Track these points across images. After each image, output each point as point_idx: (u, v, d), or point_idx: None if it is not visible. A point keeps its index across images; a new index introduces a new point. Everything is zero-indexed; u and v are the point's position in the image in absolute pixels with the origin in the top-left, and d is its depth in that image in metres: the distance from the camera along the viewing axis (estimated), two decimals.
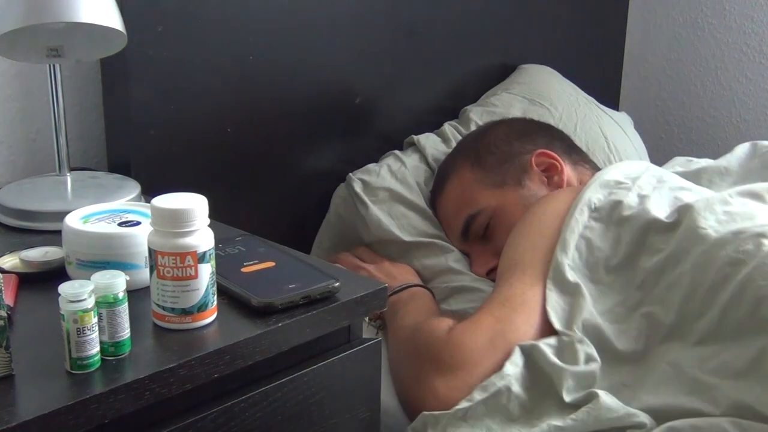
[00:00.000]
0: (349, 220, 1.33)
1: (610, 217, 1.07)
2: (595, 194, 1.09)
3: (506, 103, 1.51)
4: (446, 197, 1.30)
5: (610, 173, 1.14)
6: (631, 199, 1.07)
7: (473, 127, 1.44)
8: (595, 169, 1.31)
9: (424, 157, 1.39)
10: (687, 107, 1.89)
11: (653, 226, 1.04)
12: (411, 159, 1.39)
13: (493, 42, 1.62)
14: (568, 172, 1.27)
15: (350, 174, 1.36)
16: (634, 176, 1.13)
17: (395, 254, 1.27)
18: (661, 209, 1.06)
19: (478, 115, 1.48)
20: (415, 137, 1.43)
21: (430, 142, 1.42)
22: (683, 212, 1.03)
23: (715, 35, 1.82)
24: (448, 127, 1.47)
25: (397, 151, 1.40)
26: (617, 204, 1.07)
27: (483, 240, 1.25)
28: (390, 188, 1.32)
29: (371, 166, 1.38)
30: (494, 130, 1.34)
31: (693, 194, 1.10)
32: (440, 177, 1.34)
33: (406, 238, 1.27)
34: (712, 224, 1.01)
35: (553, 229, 1.07)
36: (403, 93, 1.48)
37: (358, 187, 1.32)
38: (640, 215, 1.05)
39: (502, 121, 1.39)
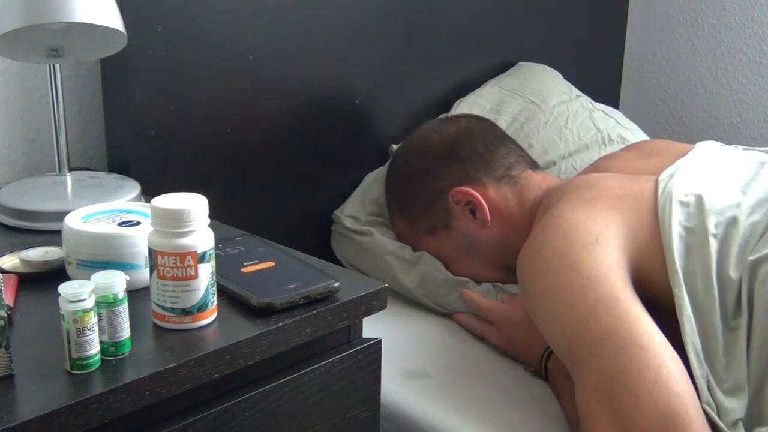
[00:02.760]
0: (356, 261, 1.33)
1: None
2: None
3: (497, 98, 1.51)
4: (398, 236, 1.32)
5: None
6: None
7: None
8: (532, 167, 1.26)
9: None
10: (687, 107, 1.89)
11: None
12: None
13: (494, 42, 1.62)
14: (491, 195, 1.21)
15: (336, 212, 1.37)
16: None
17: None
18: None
19: (467, 107, 1.48)
20: (393, 147, 1.42)
21: None
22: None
23: (715, 35, 1.82)
24: None
25: (375, 175, 1.40)
26: None
27: None
28: (377, 220, 1.34)
29: (355, 199, 1.38)
30: (406, 169, 1.30)
31: None
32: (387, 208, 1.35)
33: (411, 253, 1.27)
34: None
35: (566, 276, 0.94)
36: (403, 92, 1.48)
37: (349, 223, 1.33)
38: None
39: (409, 149, 1.32)
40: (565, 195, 1.07)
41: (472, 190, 1.21)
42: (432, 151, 1.27)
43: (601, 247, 0.95)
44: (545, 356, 1.05)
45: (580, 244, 0.95)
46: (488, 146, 1.25)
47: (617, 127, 1.51)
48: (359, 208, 1.36)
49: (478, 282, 1.22)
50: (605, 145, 1.45)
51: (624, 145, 1.41)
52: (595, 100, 1.63)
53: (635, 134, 1.52)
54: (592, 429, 0.83)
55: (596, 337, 0.87)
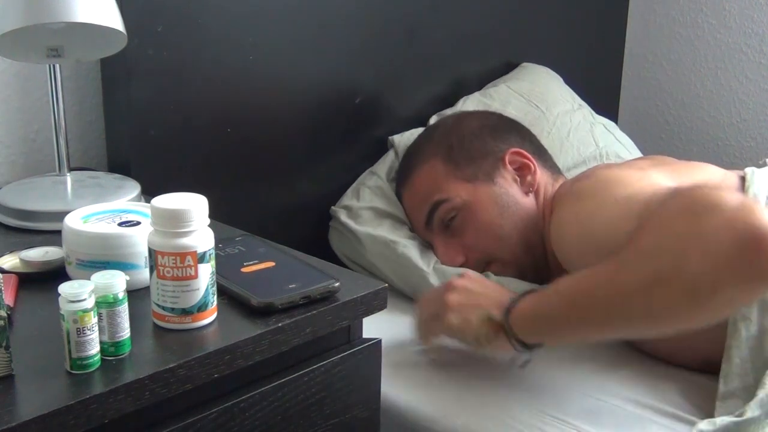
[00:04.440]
0: (353, 255, 1.33)
1: None
2: None
3: (504, 98, 1.51)
4: (414, 186, 1.29)
5: None
6: None
7: None
8: (558, 172, 1.32)
9: (398, 155, 1.39)
10: (687, 107, 1.89)
11: None
12: (384, 164, 1.38)
13: (494, 42, 1.62)
14: (540, 173, 1.26)
15: (333, 207, 1.37)
16: None
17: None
18: None
19: (473, 105, 1.48)
20: (391, 138, 1.43)
21: (404, 140, 1.40)
22: None
23: (715, 35, 1.82)
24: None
25: (371, 168, 1.40)
26: None
27: (446, 230, 1.24)
28: (373, 206, 1.33)
29: (350, 191, 1.38)
30: (467, 124, 1.32)
31: None
32: (408, 164, 1.32)
33: (402, 239, 1.26)
34: None
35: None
36: (403, 92, 1.48)
37: (343, 216, 1.33)
38: None
39: (474, 114, 1.38)
40: (591, 170, 1.18)
41: (530, 155, 1.26)
42: (494, 119, 1.34)
43: (649, 173, 1.06)
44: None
45: (629, 173, 1.07)
46: (539, 141, 1.36)
47: (615, 144, 1.53)
48: (353, 197, 1.36)
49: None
50: (602, 163, 1.47)
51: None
52: (595, 100, 1.64)
53: (631, 152, 1.54)
54: (670, 223, 0.86)
55: (668, 195, 0.93)
